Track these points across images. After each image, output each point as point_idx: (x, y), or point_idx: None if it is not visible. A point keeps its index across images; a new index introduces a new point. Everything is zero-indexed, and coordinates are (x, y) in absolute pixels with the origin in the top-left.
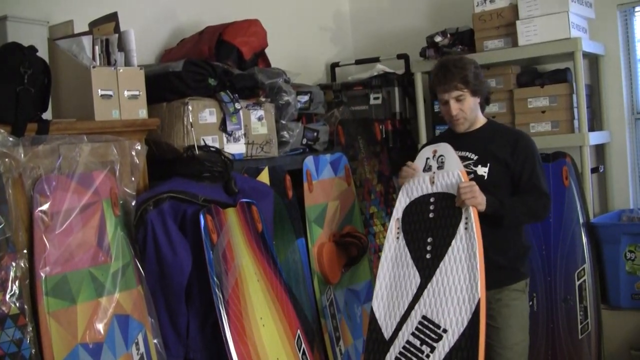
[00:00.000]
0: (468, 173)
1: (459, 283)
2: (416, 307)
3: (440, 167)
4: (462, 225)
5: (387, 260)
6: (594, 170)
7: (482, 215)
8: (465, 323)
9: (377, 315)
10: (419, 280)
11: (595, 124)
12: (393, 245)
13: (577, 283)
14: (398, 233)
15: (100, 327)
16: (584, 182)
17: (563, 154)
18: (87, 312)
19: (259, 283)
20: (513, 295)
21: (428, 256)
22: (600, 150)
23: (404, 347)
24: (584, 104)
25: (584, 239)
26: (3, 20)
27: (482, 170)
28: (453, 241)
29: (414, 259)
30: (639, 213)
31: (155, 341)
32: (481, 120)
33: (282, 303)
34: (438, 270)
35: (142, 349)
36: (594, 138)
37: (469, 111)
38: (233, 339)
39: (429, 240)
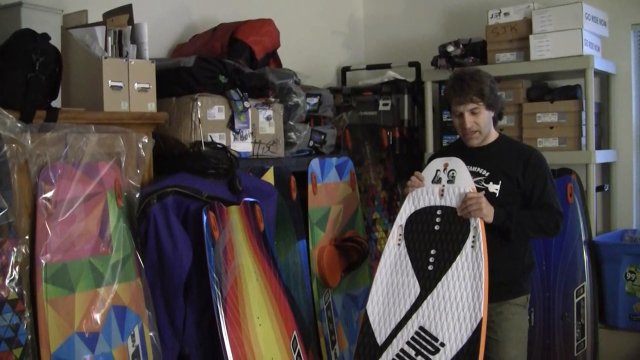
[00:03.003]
0: (479, 190)
1: (461, 299)
2: (413, 316)
3: (450, 181)
4: (469, 243)
5: (386, 266)
6: (599, 188)
7: (489, 228)
8: (465, 340)
9: (371, 319)
10: (418, 290)
11: (603, 142)
12: (394, 251)
13: (576, 300)
14: (400, 240)
15: (97, 317)
16: (588, 200)
17: (569, 171)
18: (85, 301)
19: (257, 282)
20: (514, 310)
21: (430, 268)
22: (606, 169)
23: (397, 355)
24: (593, 121)
25: (585, 257)
26: (18, 7)
27: (494, 188)
28: (458, 257)
29: (415, 268)
30: None
31: (151, 334)
32: (493, 135)
33: (279, 303)
34: (440, 284)
35: (137, 341)
36: (601, 156)
37: (483, 125)
38: (229, 336)
39: (433, 252)
